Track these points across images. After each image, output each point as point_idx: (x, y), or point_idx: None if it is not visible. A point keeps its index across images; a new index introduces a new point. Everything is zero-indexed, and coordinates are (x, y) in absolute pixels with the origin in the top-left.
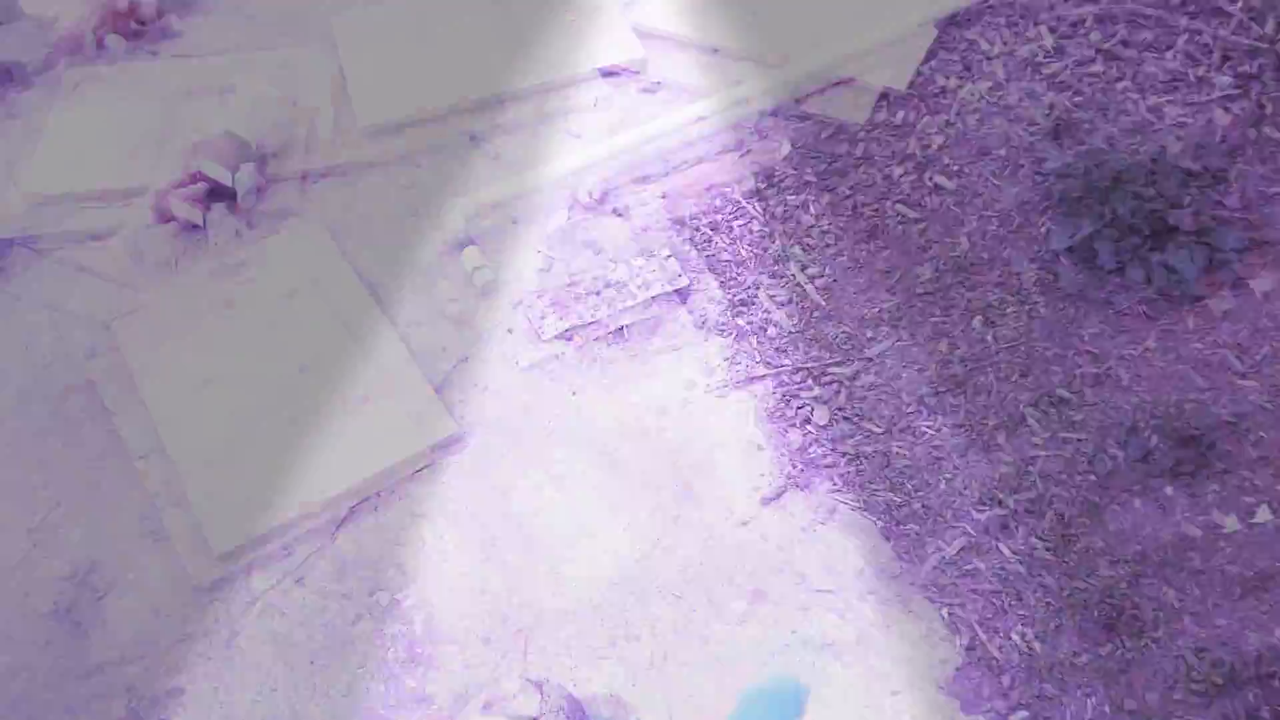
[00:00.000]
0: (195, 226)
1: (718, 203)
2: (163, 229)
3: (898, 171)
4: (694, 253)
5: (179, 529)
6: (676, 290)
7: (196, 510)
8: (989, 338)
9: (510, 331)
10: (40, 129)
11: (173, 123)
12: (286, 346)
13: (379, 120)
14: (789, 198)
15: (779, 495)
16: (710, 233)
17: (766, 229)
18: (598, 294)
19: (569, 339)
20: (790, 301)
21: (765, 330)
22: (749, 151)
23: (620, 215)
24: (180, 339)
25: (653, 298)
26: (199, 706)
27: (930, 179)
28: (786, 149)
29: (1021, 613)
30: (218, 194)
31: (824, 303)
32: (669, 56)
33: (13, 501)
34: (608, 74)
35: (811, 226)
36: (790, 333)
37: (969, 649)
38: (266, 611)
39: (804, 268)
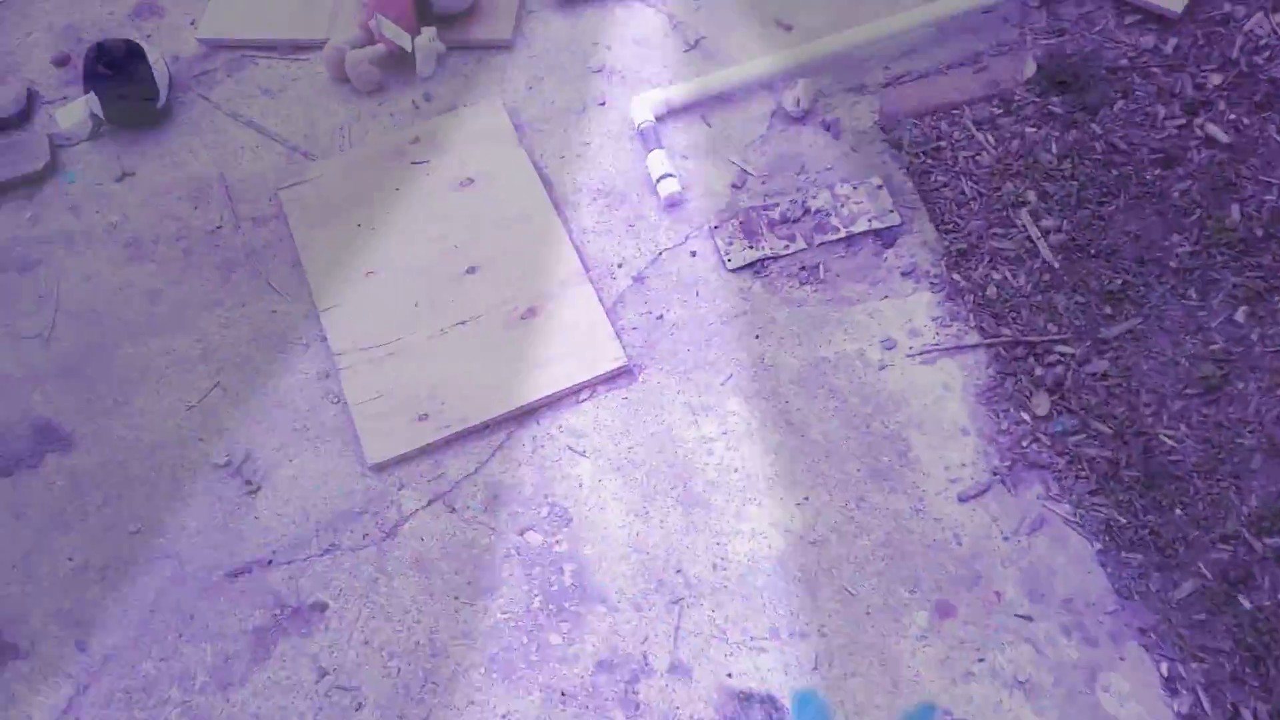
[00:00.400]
0: (370, 91)
1: (944, 126)
2: (337, 89)
3: (1162, 113)
4: (910, 184)
5: (333, 430)
6: (886, 228)
7: (354, 414)
8: (1254, 335)
9: (694, 255)
10: None
11: None
12: (454, 244)
13: None
14: (1028, 130)
15: (980, 493)
16: (931, 162)
17: (998, 165)
18: (795, 222)
19: (758, 272)
20: (1018, 258)
21: (984, 290)
22: (985, 68)
23: (829, 129)
24: (346, 220)
25: (858, 234)
26: (341, 625)
27: (1201, 127)
28: (1031, 69)
29: (1256, 683)
30: (394, 60)
31: (1058, 264)
32: None
33: (176, 374)
34: None
35: (1052, 169)
36: (1014, 296)
37: (1187, 718)
38: (414, 534)
39: (1038, 218)
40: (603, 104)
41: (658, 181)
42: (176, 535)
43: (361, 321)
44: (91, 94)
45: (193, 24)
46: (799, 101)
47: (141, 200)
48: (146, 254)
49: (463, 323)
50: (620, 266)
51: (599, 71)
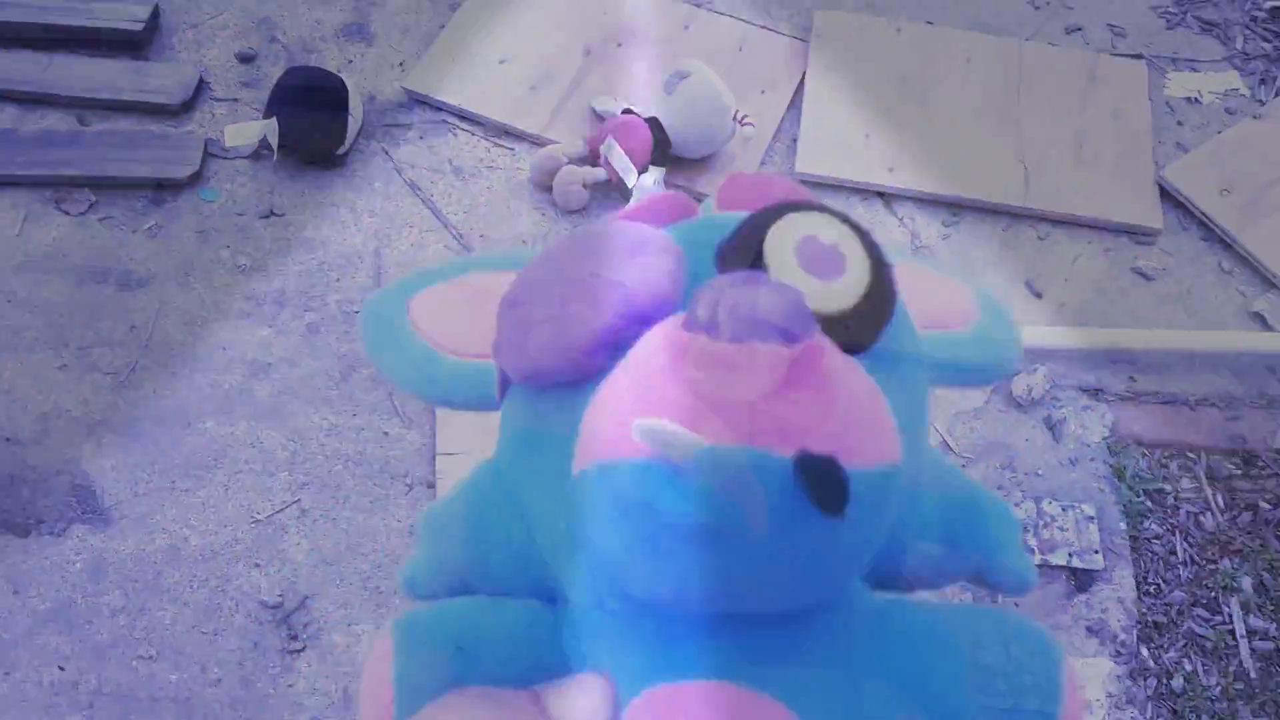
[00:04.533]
0: (569, 212)
1: (1173, 467)
2: (533, 195)
3: None
4: (1124, 525)
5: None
6: (1085, 570)
7: None
8: None
9: None
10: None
11: (597, 70)
12: None
13: (813, 171)
14: (1263, 503)
15: None
16: (1151, 505)
17: (1221, 535)
18: None
19: None
20: (1216, 652)
21: (1170, 679)
22: (1238, 418)
23: (1053, 430)
24: None
25: (1052, 566)
26: None
27: None
28: None
29: None
30: (607, 187)
31: (1255, 674)
32: (1195, 238)
33: (252, 474)
34: (1107, 228)
35: (1278, 560)
36: (1200, 697)
37: None
38: None
39: (1248, 612)
40: None
41: None
42: (191, 678)
43: None
44: (273, 120)
45: (401, 65)
46: (1031, 390)
47: (282, 249)
48: (266, 316)
49: None
50: None
51: None
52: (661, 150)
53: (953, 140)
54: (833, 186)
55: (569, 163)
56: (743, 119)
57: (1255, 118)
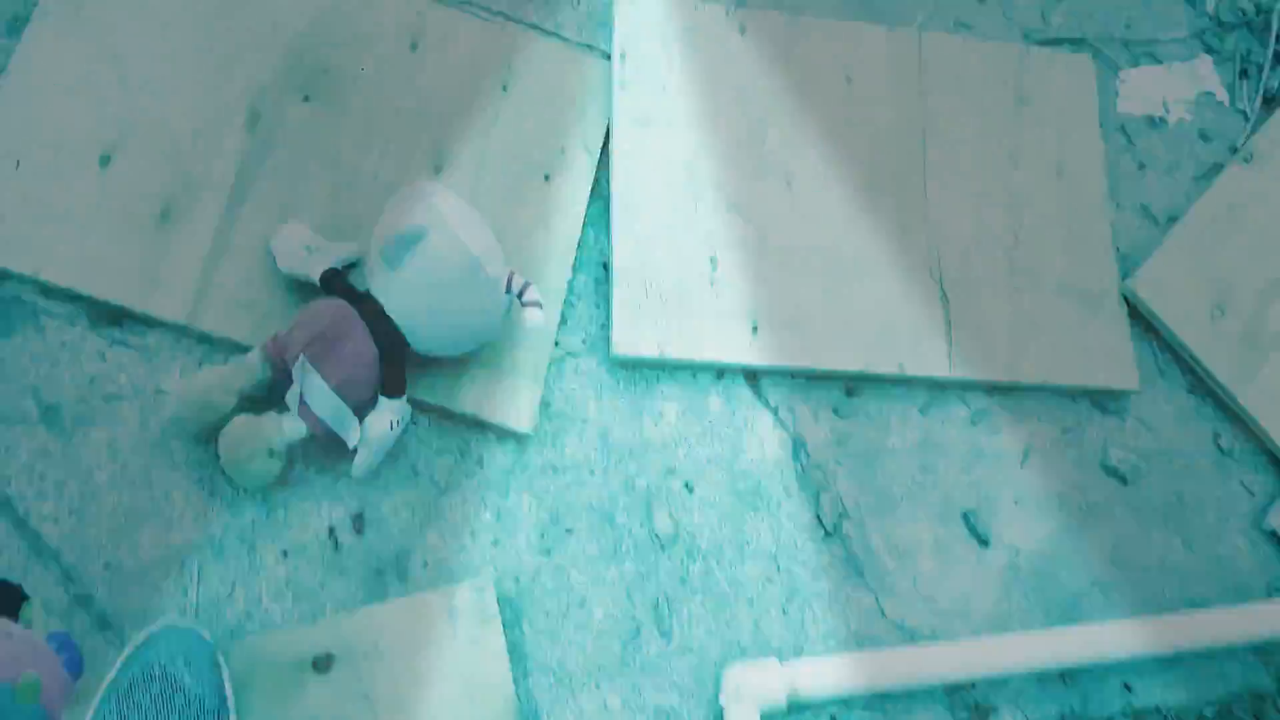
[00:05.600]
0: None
1: None
2: (190, 456)
3: None
4: None
5: None
6: None
7: None
8: None
9: None
10: None
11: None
12: None
13: (637, 354)
14: None
15: None
16: None
17: None
18: None
19: None
20: None
21: None
22: None
23: None
24: None
25: None
26: None
27: None
28: None
29: None
30: (314, 441)
31: None
32: (1180, 389)
33: None
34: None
35: None
36: None
37: None
38: None
39: None
40: (667, 639)
41: None
42: None
43: None
44: None
45: None
46: None
47: None
48: None
49: None
50: None
51: (673, 540)
52: (396, 352)
53: (839, 255)
54: (673, 369)
55: (241, 411)
56: (522, 290)
57: (1245, 162)
